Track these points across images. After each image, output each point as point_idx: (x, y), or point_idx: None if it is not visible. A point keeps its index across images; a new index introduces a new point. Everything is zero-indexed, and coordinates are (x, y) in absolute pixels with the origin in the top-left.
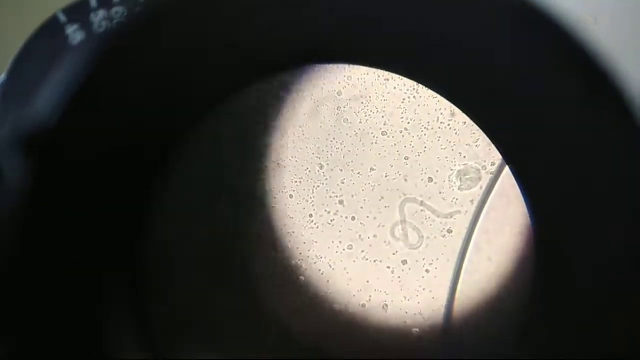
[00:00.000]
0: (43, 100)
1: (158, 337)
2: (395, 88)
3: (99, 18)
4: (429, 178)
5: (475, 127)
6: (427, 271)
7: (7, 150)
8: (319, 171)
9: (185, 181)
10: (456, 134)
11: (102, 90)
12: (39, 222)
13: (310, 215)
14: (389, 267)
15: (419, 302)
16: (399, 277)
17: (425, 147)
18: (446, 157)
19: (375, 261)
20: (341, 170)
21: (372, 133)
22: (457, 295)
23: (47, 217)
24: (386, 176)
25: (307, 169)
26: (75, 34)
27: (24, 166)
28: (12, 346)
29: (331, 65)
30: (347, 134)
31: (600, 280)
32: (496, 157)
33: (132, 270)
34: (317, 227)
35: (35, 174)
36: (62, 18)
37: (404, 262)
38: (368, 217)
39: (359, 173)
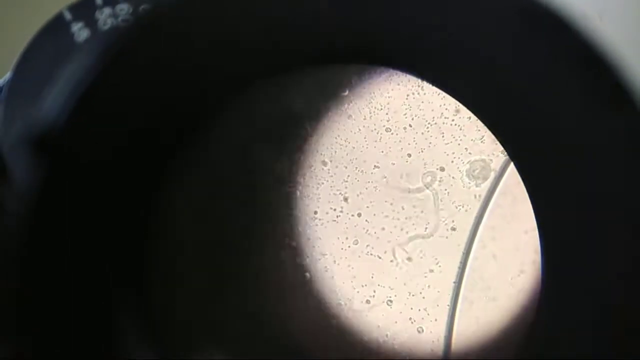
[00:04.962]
0: (51, 100)
1: (163, 337)
2: (399, 84)
3: (104, 15)
4: (434, 175)
5: (480, 123)
6: (432, 267)
7: (15, 150)
8: (323, 168)
9: (189, 181)
10: (460, 130)
11: (109, 89)
12: (48, 222)
13: (315, 212)
14: (393, 263)
15: (423, 298)
16: (404, 273)
17: (430, 144)
18: (452, 153)
19: (379, 257)
20: (345, 167)
21: (376, 130)
22: (462, 291)
23: (56, 217)
24: (390, 173)
25: (312, 166)
26: (80, 32)
27: (33, 166)
28: (17, 347)
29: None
30: (351, 131)
31: (603, 279)
32: (501, 153)
33: (137, 270)
34: (322, 224)
35: (44, 174)
36: (68, 16)
37: (409, 258)
38: (373, 214)
39: (363, 170)
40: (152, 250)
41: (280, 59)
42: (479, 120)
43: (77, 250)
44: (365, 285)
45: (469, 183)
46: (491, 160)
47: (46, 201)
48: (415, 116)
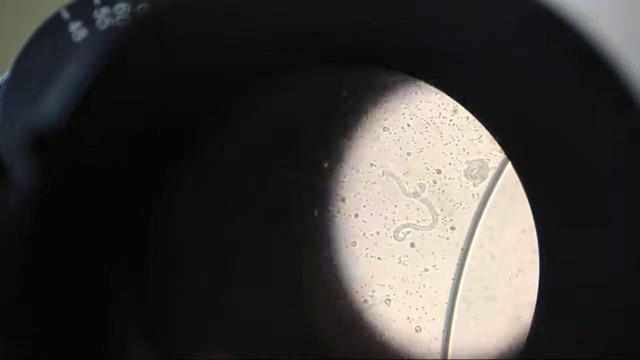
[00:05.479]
0: (52, 101)
1: (162, 337)
2: (397, 84)
3: (102, 15)
4: (432, 174)
5: (478, 123)
6: (430, 267)
7: (15, 150)
8: (321, 167)
9: (190, 181)
10: (459, 129)
11: (110, 89)
12: (48, 222)
13: (313, 212)
14: (391, 263)
15: (421, 297)
16: (402, 273)
17: (429, 143)
18: (450, 153)
19: (378, 257)
20: (342, 167)
21: (373, 129)
22: (460, 291)
23: (56, 218)
24: (388, 172)
25: (310, 165)
26: (78, 31)
27: (34, 167)
28: (17, 347)
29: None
30: (349, 130)
31: (602, 278)
32: (499, 153)
33: (138, 270)
34: (320, 224)
35: (44, 175)
36: (65, 15)
37: (407, 257)
38: (371, 214)
39: (360, 169)
40: (153, 250)
41: (280, 60)
42: (476, 120)
43: (78, 250)
44: (364, 284)
45: (467, 183)
46: (489, 160)
47: (47, 202)
48: (414, 116)
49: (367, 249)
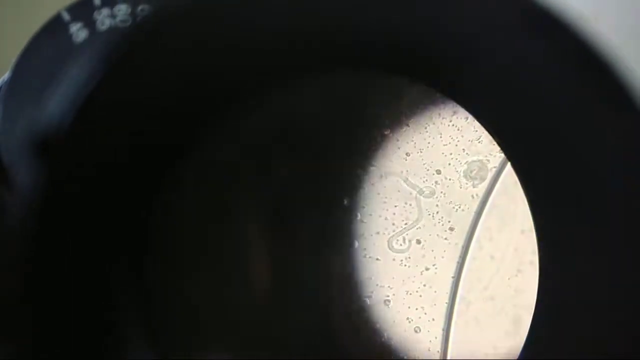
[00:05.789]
0: (55, 102)
1: (162, 337)
2: (396, 84)
3: (102, 16)
4: (431, 175)
5: (477, 123)
6: (429, 267)
7: (16, 152)
8: (320, 168)
9: (192, 182)
10: (458, 130)
11: (113, 91)
12: (50, 223)
13: (314, 213)
14: (390, 263)
15: (420, 297)
16: (401, 273)
17: (428, 144)
18: (450, 154)
19: (377, 258)
20: (342, 168)
21: (373, 129)
22: (459, 291)
23: (58, 219)
24: (387, 172)
25: (309, 165)
26: (79, 32)
27: (35, 168)
28: (17, 347)
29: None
30: (347, 130)
31: (601, 279)
32: (499, 153)
33: (138, 270)
34: (320, 224)
35: (46, 176)
36: (66, 16)
37: (406, 257)
38: (370, 215)
39: (359, 170)
40: (153, 250)
41: (280, 61)
42: (476, 121)
43: (78, 251)
44: (363, 285)
45: (467, 184)
46: (488, 160)
47: (49, 203)
48: (413, 116)
49: (366, 249)
